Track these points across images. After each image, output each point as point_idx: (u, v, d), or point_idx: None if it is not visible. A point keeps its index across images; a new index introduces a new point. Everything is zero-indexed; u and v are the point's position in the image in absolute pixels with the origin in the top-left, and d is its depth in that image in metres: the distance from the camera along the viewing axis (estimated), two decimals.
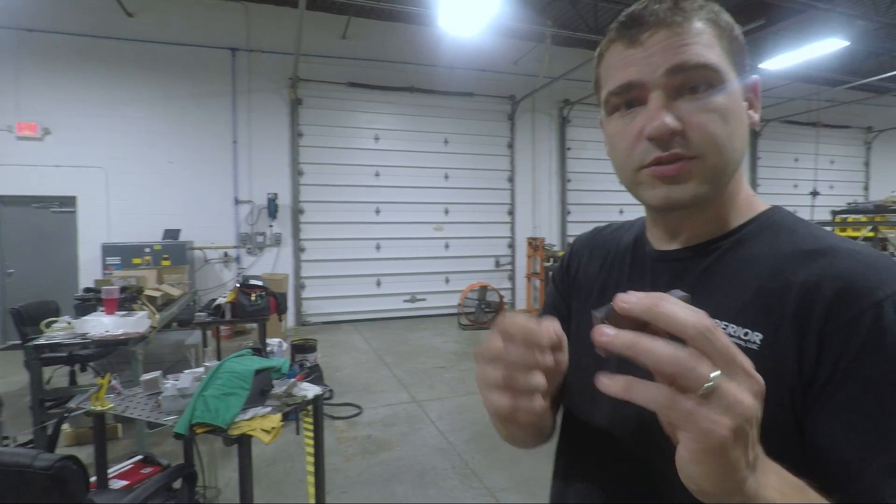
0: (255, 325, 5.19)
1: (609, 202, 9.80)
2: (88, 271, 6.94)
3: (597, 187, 9.78)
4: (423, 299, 8.85)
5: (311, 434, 2.58)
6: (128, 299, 3.80)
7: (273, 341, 5.26)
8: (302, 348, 5.07)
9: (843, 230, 8.48)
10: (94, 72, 7.12)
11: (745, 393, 0.36)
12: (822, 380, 0.48)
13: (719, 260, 0.60)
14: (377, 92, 8.38)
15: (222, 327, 6.60)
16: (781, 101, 10.48)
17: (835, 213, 8.84)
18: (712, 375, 0.34)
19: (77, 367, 4.27)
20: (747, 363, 0.37)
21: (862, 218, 8.46)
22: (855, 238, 8.00)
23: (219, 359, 4.63)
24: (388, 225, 8.61)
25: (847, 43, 7.57)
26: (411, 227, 8.75)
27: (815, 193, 8.16)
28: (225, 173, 7.75)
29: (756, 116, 0.60)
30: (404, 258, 8.71)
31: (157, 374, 2.42)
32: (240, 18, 7.68)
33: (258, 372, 2.05)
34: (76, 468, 1.41)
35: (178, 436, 1.89)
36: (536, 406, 0.47)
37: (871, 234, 7.76)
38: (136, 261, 6.73)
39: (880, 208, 8.05)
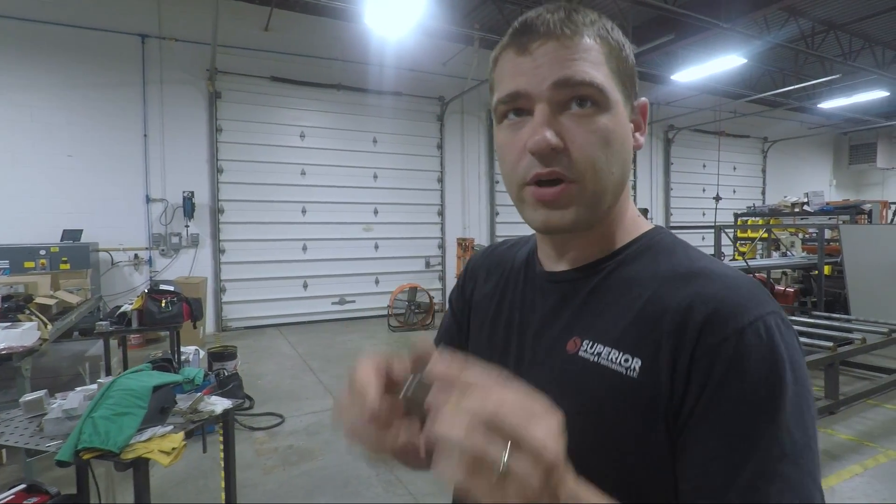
0: (168, 333, 4.85)
1: None
2: None
3: None
4: (353, 301, 8.68)
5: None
6: (12, 309, 3.41)
7: (189, 349, 4.94)
8: (220, 356, 4.80)
9: (744, 231, 9.25)
10: None
11: (534, 471, 0.36)
12: (689, 407, 0.49)
13: (605, 280, 0.60)
14: (303, 88, 8.10)
15: (133, 336, 6.16)
16: (691, 110, 11.30)
17: (736, 215, 9.62)
18: (504, 460, 0.36)
19: None
20: (538, 438, 0.37)
21: (759, 220, 9.26)
22: (752, 239, 8.77)
23: (125, 369, 4.29)
24: (315, 225, 8.36)
25: (745, 60, 8.27)
26: (339, 228, 8.55)
27: (717, 198, 8.88)
28: (135, 169, 7.17)
29: (641, 139, 0.61)
30: (332, 259, 8.50)
31: (41, 393, 2.18)
32: (150, 3, 7.14)
33: (157, 388, 1.89)
34: None
35: (61, 463, 1.71)
36: (396, 445, 0.47)
37: (765, 236, 8.52)
38: (30, 264, 6.07)
39: (774, 211, 8.85)
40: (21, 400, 2.16)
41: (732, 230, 8.51)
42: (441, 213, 9.44)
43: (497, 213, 9.98)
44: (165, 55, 7.24)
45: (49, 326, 3.62)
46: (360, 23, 6.71)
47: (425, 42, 8.33)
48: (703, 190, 12.60)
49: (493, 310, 0.72)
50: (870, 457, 3.48)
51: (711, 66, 8.24)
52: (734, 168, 13.31)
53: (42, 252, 6.18)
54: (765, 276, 6.73)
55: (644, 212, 6.87)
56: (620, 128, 0.56)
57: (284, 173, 8.08)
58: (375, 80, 8.48)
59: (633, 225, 0.63)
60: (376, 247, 8.87)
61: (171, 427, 1.92)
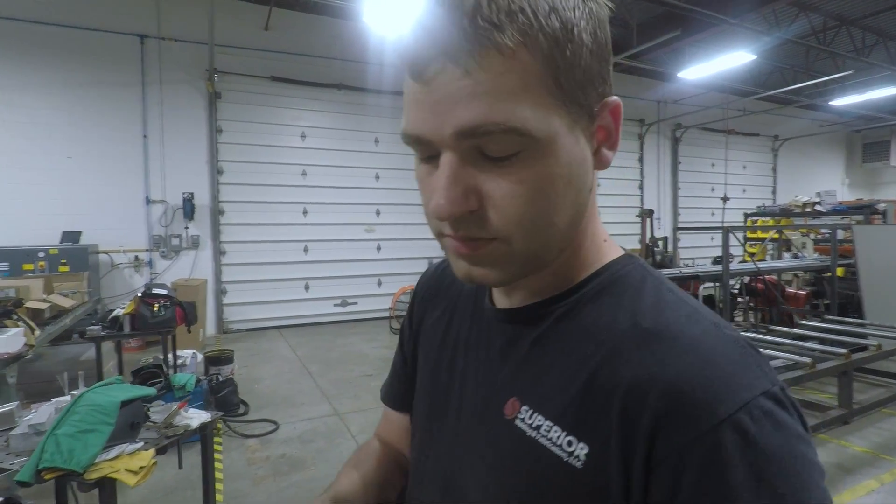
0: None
1: None
2: None
3: None
4: (355, 303, 8.59)
5: (217, 456, 2.34)
6: (0, 314, 3.35)
7: (186, 353, 4.88)
8: (217, 360, 4.74)
9: (754, 232, 9.06)
10: None
11: None
12: None
13: (553, 328, 0.48)
14: (303, 88, 8.02)
15: (133, 339, 6.10)
16: (699, 108, 11.09)
17: (746, 215, 9.42)
18: None
19: None
20: None
21: (770, 221, 9.07)
22: (762, 240, 8.56)
23: (121, 374, 4.22)
24: (316, 226, 8.28)
25: (754, 57, 8.08)
26: (341, 229, 8.46)
27: (725, 198, 8.66)
28: (134, 170, 7.13)
29: (609, 155, 0.46)
30: (334, 261, 8.42)
31: (12, 405, 2.09)
32: (149, 3, 7.08)
33: (126, 403, 1.79)
34: None
35: (22, 483, 1.62)
36: None
37: (776, 237, 8.33)
38: (28, 266, 6.04)
39: (785, 211, 8.65)
40: None
41: (742, 231, 8.33)
42: None
43: None
44: (164, 55, 7.18)
45: (37, 332, 3.55)
46: (359, 21, 6.61)
47: None
48: (712, 189, 12.39)
49: (438, 344, 0.61)
50: (886, 470, 3.32)
51: (720, 63, 8.06)
52: (744, 167, 13.08)
53: (41, 254, 6.15)
54: (776, 278, 6.54)
55: (650, 213, 6.73)
56: (563, 166, 0.41)
57: (285, 174, 8.00)
58: (376, 80, 8.37)
59: (596, 254, 0.50)
60: (378, 248, 8.77)
61: (141, 444, 1.82)
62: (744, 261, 7.60)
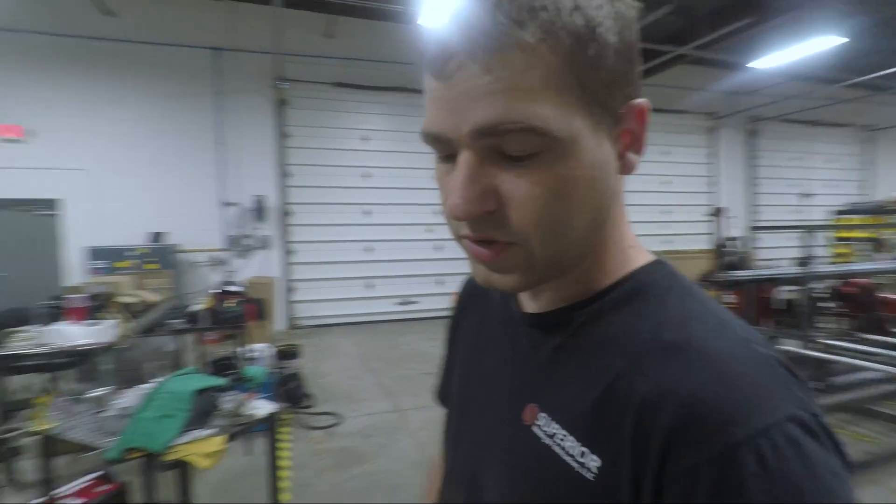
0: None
1: None
2: (73, 275, 6.84)
3: None
4: (416, 302, 8.73)
5: (285, 445, 2.48)
6: (96, 307, 3.69)
7: (258, 346, 5.16)
8: (285, 355, 4.98)
9: (843, 231, 8.33)
10: (77, 73, 7.01)
11: None
12: None
13: (574, 336, 0.47)
14: (365, 92, 8.25)
15: (212, 333, 6.54)
16: (778, 99, 10.32)
17: (835, 213, 8.68)
18: None
19: (53, 375, 4.16)
20: None
21: (863, 219, 8.30)
22: (852, 240, 7.84)
23: (199, 365, 4.54)
24: (378, 227, 8.49)
25: (844, 40, 7.42)
26: (402, 229, 8.63)
27: (806, 195, 7.94)
28: (211, 175, 7.64)
29: (635, 159, 0.44)
30: (396, 260, 8.60)
31: (107, 389, 2.30)
32: (221, 17, 7.55)
33: (200, 392, 1.93)
34: None
35: (110, 461, 1.78)
36: None
37: (872, 236, 7.61)
38: (121, 264, 6.62)
39: (880, 209, 7.89)
40: (88, 395, 2.29)
41: (829, 230, 7.68)
42: None
43: None
44: (236, 66, 7.63)
45: (128, 324, 3.88)
46: (417, 24, 6.71)
47: None
48: (794, 186, 11.50)
49: (472, 345, 0.62)
50: None
51: (801, 48, 7.46)
52: (830, 161, 12.03)
53: (133, 253, 6.73)
54: (868, 281, 5.98)
55: (719, 211, 6.35)
56: (585, 169, 0.40)
57: (348, 176, 8.27)
58: None
59: (622, 260, 0.48)
60: (439, 247, 8.86)
61: (213, 430, 1.95)
62: (833, 262, 7.01)
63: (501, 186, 0.40)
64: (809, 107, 10.64)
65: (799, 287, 4.41)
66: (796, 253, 5.13)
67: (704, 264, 6.07)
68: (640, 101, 0.43)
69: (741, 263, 5.12)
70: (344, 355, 6.37)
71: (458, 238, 0.46)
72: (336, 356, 6.33)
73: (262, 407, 2.20)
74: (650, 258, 0.49)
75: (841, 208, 8.60)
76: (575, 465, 0.41)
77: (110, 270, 6.41)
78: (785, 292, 4.71)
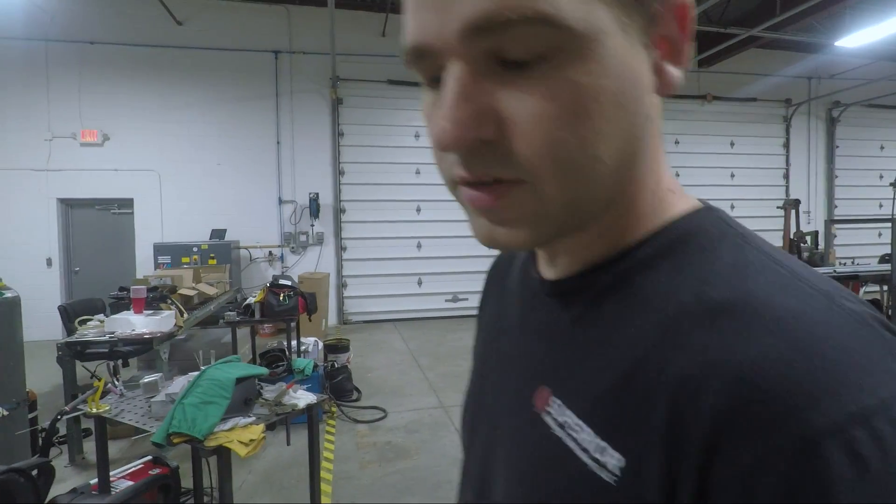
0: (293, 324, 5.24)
1: None
2: (144, 270, 7.29)
3: None
4: (465, 299, 8.67)
5: (330, 438, 2.50)
6: (156, 298, 3.89)
7: (309, 340, 5.28)
8: (334, 348, 5.06)
9: None
10: (148, 79, 7.47)
11: None
12: None
13: (597, 304, 0.37)
14: (417, 89, 8.10)
15: (266, 325, 6.79)
16: (863, 82, 9.44)
17: None
18: None
19: (119, 362, 4.44)
20: None
21: None
22: None
23: (254, 357, 4.70)
24: (429, 223, 8.50)
25: None
26: (453, 226, 8.57)
27: (894, 185, 7.11)
28: (269, 173, 7.92)
29: (675, 73, 0.34)
30: (446, 257, 8.57)
31: (157, 376, 2.40)
32: (281, 21, 7.80)
33: (241, 380, 1.95)
34: (23, 481, 1.35)
35: (156, 444, 1.83)
36: None
37: None
38: (185, 259, 6.99)
39: None
40: (141, 381, 2.39)
41: None
42: None
43: None
44: (294, 68, 7.87)
45: (185, 315, 4.06)
46: None
47: None
48: (881, 177, 10.49)
49: (492, 329, 0.54)
50: None
51: (890, 25, 6.75)
52: None
53: (195, 249, 7.08)
54: None
55: (795, 203, 5.86)
56: (611, 78, 0.30)
57: (400, 173, 8.32)
58: None
59: (658, 207, 0.37)
60: None
61: (253, 418, 1.97)
62: None
63: (502, 106, 0.30)
64: None
65: (884, 285, 3.99)
66: (883, 250, 4.66)
67: None
68: None
69: (817, 260, 4.70)
70: (392, 350, 6.42)
71: (452, 186, 0.35)
72: (385, 351, 6.38)
73: (302, 398, 2.21)
74: (696, 204, 0.38)
75: None
76: (591, 462, 0.32)
77: (175, 265, 6.78)
78: (865, 292, 4.28)
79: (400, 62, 0.36)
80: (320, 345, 5.39)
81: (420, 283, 8.57)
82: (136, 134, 7.42)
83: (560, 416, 0.35)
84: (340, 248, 8.24)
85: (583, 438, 0.33)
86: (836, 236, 9.46)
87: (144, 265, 7.32)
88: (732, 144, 9.64)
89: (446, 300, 8.64)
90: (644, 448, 0.29)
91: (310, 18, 7.82)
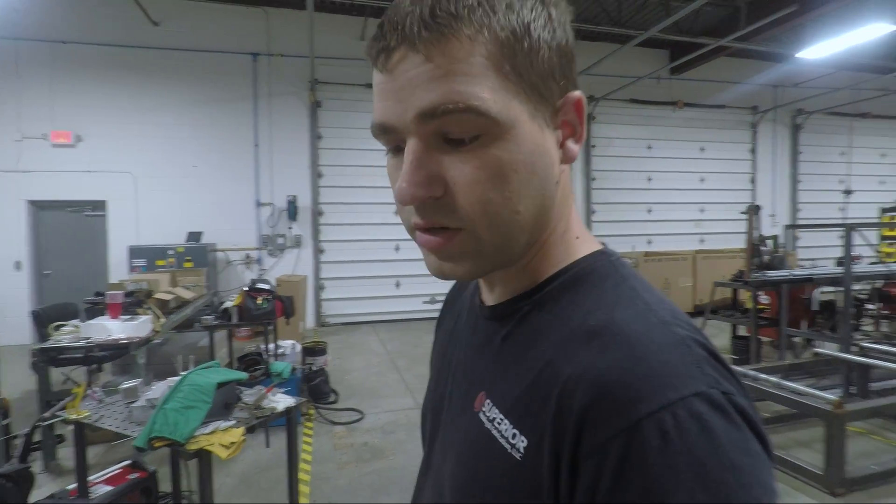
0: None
1: (636, 200, 9.54)
2: (117, 273, 7.19)
3: (623, 185, 9.48)
4: (443, 301, 8.77)
5: (308, 440, 2.57)
6: (133, 303, 3.89)
7: (286, 343, 5.30)
8: (312, 351, 5.10)
9: (892, 229, 7.92)
10: (123, 80, 7.37)
11: None
12: None
13: (519, 325, 0.49)
14: None
15: (243, 329, 6.77)
16: (825, 91, 9.86)
17: (884, 210, 8.23)
18: None
19: (94, 367, 4.41)
20: None
21: None
22: None
23: (230, 361, 4.71)
24: None
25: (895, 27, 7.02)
26: None
27: (848, 191, 7.50)
28: (247, 176, 7.90)
29: (575, 148, 0.46)
30: (423, 259, 8.64)
31: (136, 381, 2.43)
32: (260, 23, 7.79)
33: (221, 385, 2.02)
34: (11, 485, 1.40)
35: (138, 449, 1.88)
36: None
37: None
38: (161, 262, 6.92)
39: None
40: (120, 387, 2.43)
41: (874, 228, 7.29)
42: None
43: (594, 212, 9.51)
44: (273, 70, 7.87)
45: (162, 320, 4.07)
46: None
47: None
48: (841, 182, 10.97)
49: (447, 343, 0.65)
50: None
51: (849, 37, 7.09)
52: (882, 155, 11.39)
53: (170, 252, 7.02)
54: None
55: (756, 209, 6.13)
56: (525, 154, 0.42)
57: (377, 176, 8.37)
58: None
59: (566, 250, 0.50)
60: None
61: (233, 422, 2.03)
62: (881, 262, 6.66)
63: (447, 172, 0.42)
64: (857, 98, 10.12)
65: (838, 288, 4.23)
66: (840, 253, 4.91)
67: (740, 264, 5.88)
68: (577, 93, 0.46)
69: (777, 263, 4.94)
70: (370, 352, 6.48)
71: (411, 231, 0.47)
72: (362, 353, 6.44)
73: (281, 401, 2.28)
74: (595, 248, 0.51)
75: (889, 205, 8.14)
76: (507, 446, 0.43)
77: (150, 268, 6.71)
78: (823, 293, 4.52)
79: None
80: (298, 347, 5.43)
81: (398, 284, 8.64)
82: (111, 135, 7.32)
83: (490, 414, 0.47)
84: (318, 251, 8.26)
85: (504, 429, 0.44)
86: (799, 238, 9.87)
87: (118, 268, 7.23)
88: (703, 149, 9.97)
89: (424, 302, 8.72)
90: (540, 433, 0.40)
91: (289, 21, 7.82)
